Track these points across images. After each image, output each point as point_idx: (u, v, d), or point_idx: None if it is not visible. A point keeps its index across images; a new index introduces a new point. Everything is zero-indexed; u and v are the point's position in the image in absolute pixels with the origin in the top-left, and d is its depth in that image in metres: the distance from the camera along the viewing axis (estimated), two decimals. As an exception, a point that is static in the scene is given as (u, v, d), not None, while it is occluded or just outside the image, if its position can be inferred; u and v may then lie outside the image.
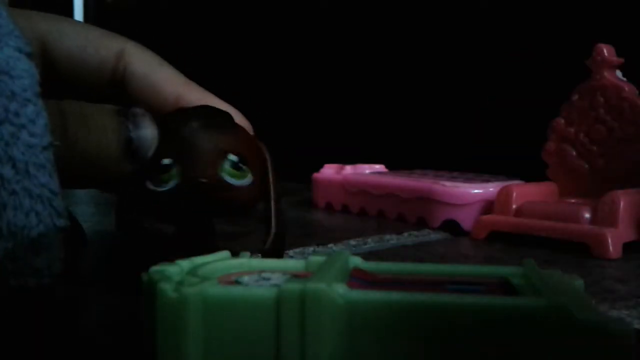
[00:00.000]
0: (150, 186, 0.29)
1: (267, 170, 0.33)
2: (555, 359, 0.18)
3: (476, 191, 0.58)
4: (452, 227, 0.57)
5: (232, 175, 0.30)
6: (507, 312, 0.18)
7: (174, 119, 0.31)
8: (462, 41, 0.84)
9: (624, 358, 0.17)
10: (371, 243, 0.51)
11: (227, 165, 0.30)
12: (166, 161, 0.29)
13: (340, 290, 0.19)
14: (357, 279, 0.22)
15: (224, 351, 0.19)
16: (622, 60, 0.55)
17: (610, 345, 0.17)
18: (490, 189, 0.57)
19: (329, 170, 0.74)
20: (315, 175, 0.75)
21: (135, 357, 0.23)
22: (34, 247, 0.23)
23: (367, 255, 0.46)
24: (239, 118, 0.35)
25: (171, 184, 0.29)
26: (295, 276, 0.22)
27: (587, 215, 0.49)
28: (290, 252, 0.46)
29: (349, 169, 0.73)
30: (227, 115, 0.32)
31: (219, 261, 0.24)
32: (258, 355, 0.19)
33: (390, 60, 0.94)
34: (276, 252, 0.32)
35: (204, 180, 0.29)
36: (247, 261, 0.25)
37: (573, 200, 0.55)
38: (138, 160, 0.29)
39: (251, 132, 0.35)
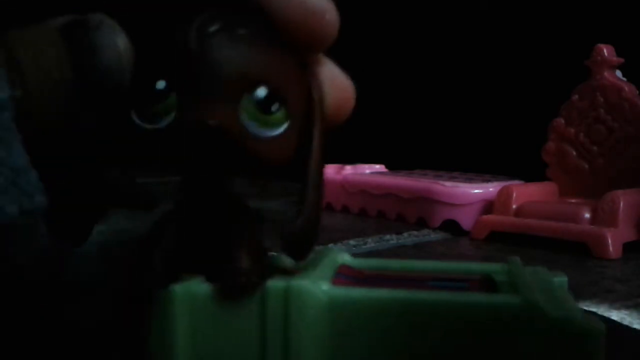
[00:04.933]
0: (137, 120, 0.19)
1: (313, 118, 0.21)
2: (528, 355, 0.18)
3: (476, 191, 0.58)
4: (452, 227, 0.57)
5: (257, 120, 0.19)
6: (481, 308, 0.19)
7: (174, 16, 0.20)
8: (462, 42, 0.84)
9: (594, 355, 0.17)
10: (371, 243, 0.51)
11: (251, 104, 0.19)
12: (160, 85, 0.19)
13: (324, 287, 0.19)
14: (344, 275, 0.23)
15: (211, 346, 0.20)
16: (622, 60, 0.55)
17: (581, 342, 0.17)
18: (490, 189, 0.57)
19: (329, 170, 0.74)
20: (315, 175, 0.74)
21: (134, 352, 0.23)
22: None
23: (367, 255, 0.45)
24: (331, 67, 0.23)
25: (168, 119, 0.19)
26: (284, 272, 0.22)
27: (587, 215, 0.49)
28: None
29: (349, 169, 0.73)
30: (264, 23, 0.20)
31: None
32: (244, 350, 0.20)
33: (391, 61, 0.94)
34: (303, 245, 0.21)
35: (212, 122, 0.18)
36: None
37: (573, 200, 0.55)
38: (105, 93, 0.20)
39: (351, 91, 0.23)
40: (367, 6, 0.96)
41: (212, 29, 0.19)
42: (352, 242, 0.51)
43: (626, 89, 0.54)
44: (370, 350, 0.19)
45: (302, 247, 0.21)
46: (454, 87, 0.85)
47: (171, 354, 0.20)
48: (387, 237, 0.54)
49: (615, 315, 0.31)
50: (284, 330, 0.19)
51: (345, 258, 0.25)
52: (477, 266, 0.24)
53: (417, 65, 0.89)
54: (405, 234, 0.55)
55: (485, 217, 0.54)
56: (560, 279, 0.22)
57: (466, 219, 0.57)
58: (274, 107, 0.19)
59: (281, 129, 0.20)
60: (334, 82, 0.22)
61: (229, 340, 0.20)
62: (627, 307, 0.33)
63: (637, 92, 0.54)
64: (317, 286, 0.19)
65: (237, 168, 0.20)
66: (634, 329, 0.29)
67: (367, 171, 0.75)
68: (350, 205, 0.69)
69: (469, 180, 0.62)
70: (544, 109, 0.60)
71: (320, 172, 0.21)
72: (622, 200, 0.47)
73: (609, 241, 0.46)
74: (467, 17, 0.83)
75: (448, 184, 0.59)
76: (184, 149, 0.19)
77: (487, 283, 0.22)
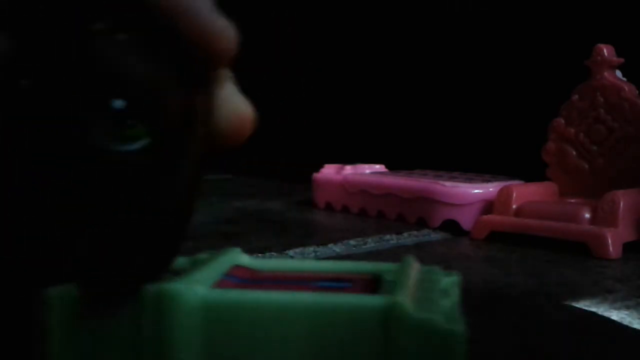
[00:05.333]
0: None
1: (190, 138, 0.19)
2: (394, 354, 0.19)
3: (476, 191, 0.58)
4: (452, 227, 0.57)
5: (109, 132, 0.18)
6: (346, 309, 0.19)
7: (57, 11, 0.18)
8: (462, 42, 0.84)
9: (454, 355, 0.18)
10: (371, 243, 0.51)
11: (105, 115, 0.18)
12: (24, 82, 0.17)
13: (199, 290, 0.20)
14: (233, 277, 0.23)
15: (89, 350, 0.20)
16: (622, 60, 0.55)
17: (442, 342, 0.18)
18: (490, 189, 0.57)
19: (329, 170, 0.74)
20: (315, 175, 0.75)
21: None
22: None
23: (367, 255, 0.46)
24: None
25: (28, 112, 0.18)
26: (177, 274, 0.22)
27: (587, 215, 0.49)
28: (290, 252, 0.46)
29: (349, 169, 0.73)
30: (158, 33, 0.19)
31: None
32: (122, 351, 0.20)
33: (391, 61, 0.94)
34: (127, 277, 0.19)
35: (56, 127, 0.17)
36: None
37: (573, 200, 0.55)
38: None
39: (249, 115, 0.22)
40: (367, 7, 0.96)
41: (91, 28, 0.18)
42: (352, 242, 0.51)
43: (626, 89, 0.54)
44: (246, 351, 0.20)
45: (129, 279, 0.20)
46: (454, 87, 0.85)
47: (49, 357, 0.20)
48: (387, 237, 0.54)
49: (615, 315, 0.31)
50: (158, 334, 0.20)
51: (241, 259, 0.25)
52: (371, 266, 0.25)
53: (417, 66, 0.89)
54: (405, 234, 0.55)
55: (485, 217, 0.54)
56: (451, 279, 0.23)
57: (466, 219, 0.57)
58: (130, 122, 0.18)
59: (137, 145, 0.18)
60: (230, 105, 0.22)
61: (105, 344, 0.20)
62: (627, 307, 0.33)
63: (637, 92, 0.54)
64: (192, 289, 0.20)
65: (84, 178, 0.18)
66: (634, 329, 0.29)
67: (367, 171, 0.75)
68: (350, 205, 0.69)
69: (469, 180, 0.62)
70: (544, 109, 0.60)
71: (188, 199, 0.20)
72: (622, 200, 0.47)
73: (609, 241, 0.46)
74: (467, 17, 0.83)
75: (448, 184, 0.59)
76: (27, 146, 0.17)
77: (373, 283, 0.23)
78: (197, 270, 0.22)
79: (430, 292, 0.21)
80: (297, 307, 0.20)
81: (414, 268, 0.23)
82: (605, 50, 0.54)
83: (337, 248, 0.49)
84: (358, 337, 0.19)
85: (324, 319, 0.19)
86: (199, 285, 0.20)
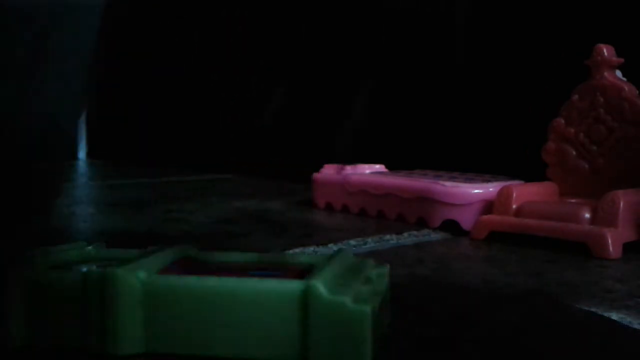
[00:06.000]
0: None
1: None
2: (307, 330, 0.22)
3: (476, 191, 0.58)
4: (452, 227, 0.57)
5: None
6: (268, 291, 0.22)
7: None
8: (462, 41, 0.84)
9: (359, 332, 0.21)
10: (371, 243, 0.51)
11: None
12: None
13: (140, 274, 0.23)
14: (178, 266, 0.26)
15: (45, 326, 0.24)
16: (622, 60, 0.55)
17: (348, 320, 0.21)
18: (490, 189, 0.57)
19: (329, 170, 0.74)
20: (315, 175, 0.74)
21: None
22: None
23: (367, 255, 0.46)
24: None
25: None
26: (127, 262, 0.25)
27: (587, 215, 0.49)
28: (290, 252, 0.46)
29: (349, 169, 0.73)
30: None
31: (67, 251, 0.29)
32: (71, 329, 0.23)
33: (391, 61, 0.94)
34: None
35: None
36: (94, 251, 0.30)
37: (573, 200, 0.55)
38: None
39: None
40: (367, 8, 0.96)
41: None
42: (352, 242, 0.51)
43: (626, 89, 0.54)
44: (181, 328, 0.23)
45: None
46: (454, 87, 0.85)
47: (7, 330, 0.24)
48: (387, 237, 0.54)
49: (615, 315, 0.31)
50: (102, 313, 0.23)
51: (190, 251, 0.29)
52: (308, 258, 0.28)
53: (417, 66, 0.89)
54: (405, 234, 0.55)
55: (485, 217, 0.54)
56: (379, 270, 0.27)
57: (466, 219, 0.57)
58: None
59: None
60: None
61: (60, 321, 0.23)
62: (627, 307, 0.33)
63: (637, 92, 0.54)
64: (133, 274, 0.23)
65: None
66: (634, 329, 0.29)
67: (367, 171, 0.75)
68: (350, 205, 0.69)
69: (469, 180, 0.62)
70: (544, 109, 0.60)
71: None
72: (622, 200, 0.47)
73: (609, 241, 0.46)
74: (466, 17, 0.83)
75: (448, 184, 0.59)
76: None
77: (304, 272, 0.26)
78: (145, 259, 0.25)
79: (351, 279, 0.24)
80: (224, 290, 0.23)
81: (345, 259, 0.27)
82: (605, 50, 0.54)
83: (337, 248, 0.49)
84: (277, 315, 0.22)
85: (246, 300, 0.22)
86: (141, 270, 0.23)
